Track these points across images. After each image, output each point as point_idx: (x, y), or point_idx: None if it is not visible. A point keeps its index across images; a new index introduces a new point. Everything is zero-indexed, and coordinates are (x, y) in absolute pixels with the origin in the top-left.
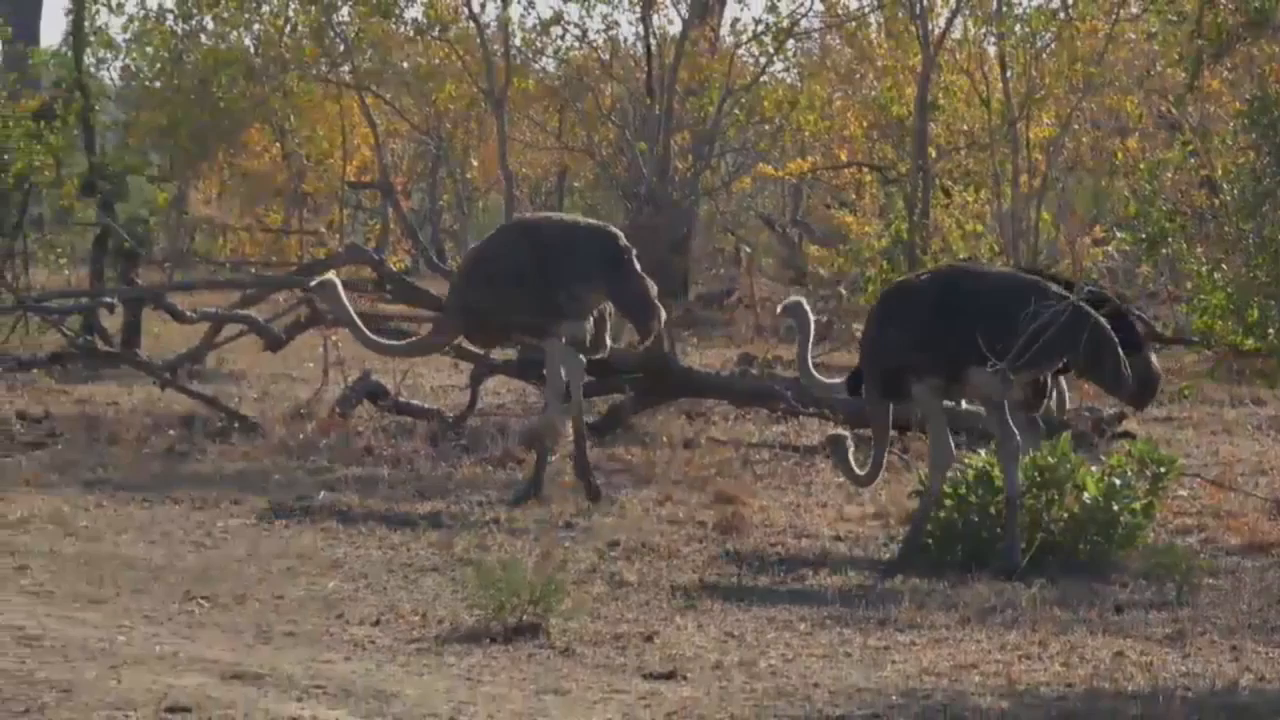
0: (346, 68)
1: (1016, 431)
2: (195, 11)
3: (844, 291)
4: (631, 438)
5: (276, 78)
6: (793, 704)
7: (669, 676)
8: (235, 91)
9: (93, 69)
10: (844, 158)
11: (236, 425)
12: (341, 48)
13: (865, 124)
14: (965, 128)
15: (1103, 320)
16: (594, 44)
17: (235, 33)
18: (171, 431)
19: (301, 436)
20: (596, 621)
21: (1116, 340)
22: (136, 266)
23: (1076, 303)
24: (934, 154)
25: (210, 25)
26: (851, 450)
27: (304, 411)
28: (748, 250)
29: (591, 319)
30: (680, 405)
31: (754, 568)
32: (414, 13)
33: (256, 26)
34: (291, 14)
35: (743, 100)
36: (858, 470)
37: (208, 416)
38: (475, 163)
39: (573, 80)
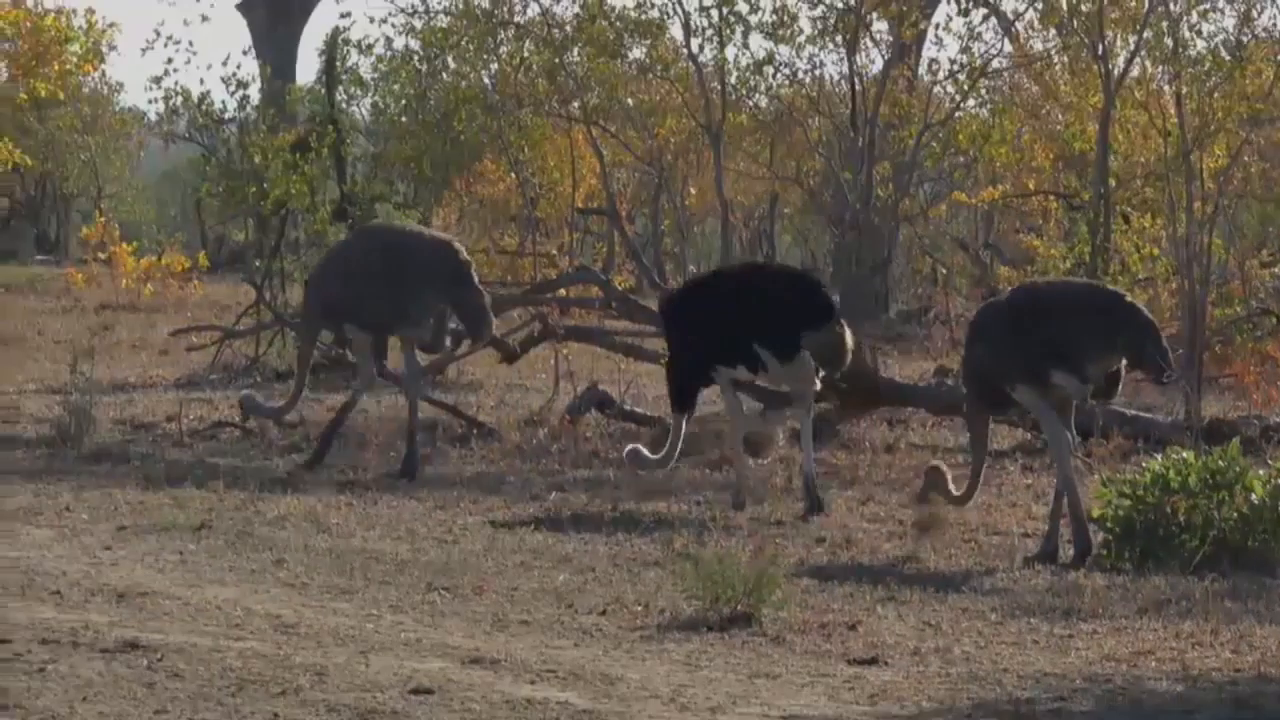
0: (576, 104)
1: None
2: (438, 52)
3: None
4: (837, 443)
5: (512, 113)
6: (984, 687)
7: (871, 662)
8: (474, 125)
9: (344, 105)
10: (1032, 186)
11: (475, 431)
12: (572, 85)
13: (1051, 156)
14: (1142, 159)
15: (1149, 316)
16: (802, 82)
17: (474, 72)
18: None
19: (534, 442)
20: (804, 611)
21: (1160, 333)
22: None
23: (1132, 303)
24: (1114, 183)
25: (451, 65)
26: (950, 477)
27: (536, 419)
28: (943, 271)
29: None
30: (881, 413)
31: (949, 562)
32: (638, 53)
33: (494, 66)
34: (526, 54)
35: (939, 134)
36: (955, 492)
37: (448, 423)
38: (693, 190)
39: (783, 115)
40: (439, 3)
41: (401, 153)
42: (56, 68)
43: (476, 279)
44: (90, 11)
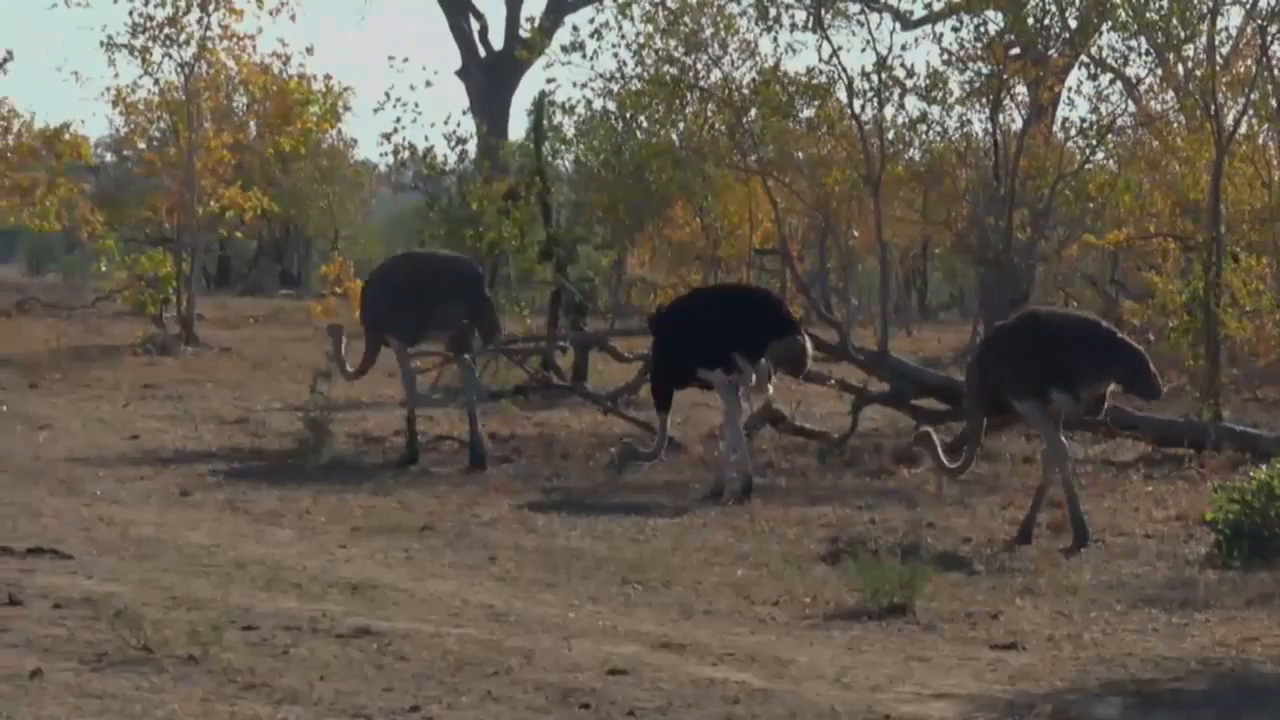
0: (753, 157)
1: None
2: (632, 113)
3: (1151, 338)
4: (981, 453)
5: (697, 166)
6: (1110, 670)
7: (1011, 647)
8: (664, 177)
9: (550, 159)
10: (1152, 229)
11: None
12: (749, 141)
13: (1169, 203)
14: (1249, 206)
15: (1135, 344)
16: (952, 138)
17: (664, 130)
18: (612, 449)
19: (715, 453)
20: (952, 603)
21: (1149, 361)
22: (584, 316)
23: (1124, 338)
24: (1224, 227)
25: (644, 124)
26: (939, 444)
27: (717, 433)
28: (1075, 304)
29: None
30: (1020, 428)
31: (1078, 559)
32: (808, 113)
33: (681, 125)
34: (709, 114)
35: (1071, 183)
36: (948, 462)
37: (641, 437)
38: (855, 233)
39: (934, 167)
40: (633, 69)
41: (600, 200)
42: (299, 126)
43: (488, 291)
44: (328, 77)
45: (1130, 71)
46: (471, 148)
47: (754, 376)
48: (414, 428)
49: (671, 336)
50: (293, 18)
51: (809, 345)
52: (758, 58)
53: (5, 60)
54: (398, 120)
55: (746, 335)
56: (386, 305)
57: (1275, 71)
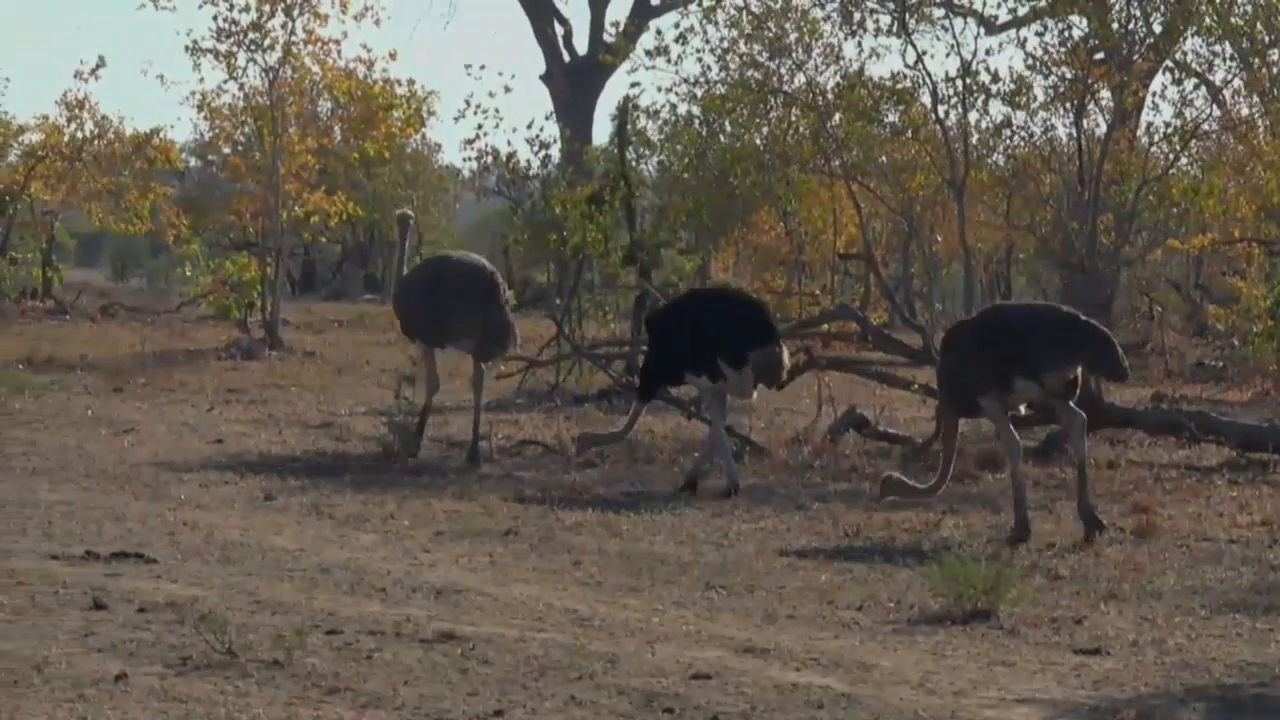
0: (837, 162)
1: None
2: (716, 117)
3: (1236, 342)
4: (1065, 460)
5: (781, 170)
6: (1195, 675)
7: (1095, 652)
8: (748, 181)
9: (634, 163)
10: (1237, 234)
11: (748, 448)
12: (833, 146)
13: (1254, 207)
14: None
15: (1103, 327)
16: (1036, 143)
17: (748, 134)
18: (695, 453)
19: (799, 458)
20: (1036, 608)
21: (1116, 342)
22: None
23: (1089, 320)
24: None
25: (728, 128)
26: (908, 481)
27: (801, 438)
28: (1159, 309)
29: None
30: (1104, 434)
31: (1163, 565)
32: (892, 118)
33: (765, 129)
34: (793, 119)
35: (1155, 188)
36: (920, 486)
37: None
38: (939, 238)
39: (1018, 172)
40: (717, 74)
41: (684, 205)
42: (383, 130)
43: (503, 298)
44: (412, 82)
45: (1215, 76)
46: (555, 152)
47: (738, 384)
48: (425, 422)
49: (663, 339)
50: (377, 22)
51: (785, 357)
52: (842, 62)
53: (97, 67)
54: (480, 126)
55: (731, 343)
56: (415, 310)
57: None
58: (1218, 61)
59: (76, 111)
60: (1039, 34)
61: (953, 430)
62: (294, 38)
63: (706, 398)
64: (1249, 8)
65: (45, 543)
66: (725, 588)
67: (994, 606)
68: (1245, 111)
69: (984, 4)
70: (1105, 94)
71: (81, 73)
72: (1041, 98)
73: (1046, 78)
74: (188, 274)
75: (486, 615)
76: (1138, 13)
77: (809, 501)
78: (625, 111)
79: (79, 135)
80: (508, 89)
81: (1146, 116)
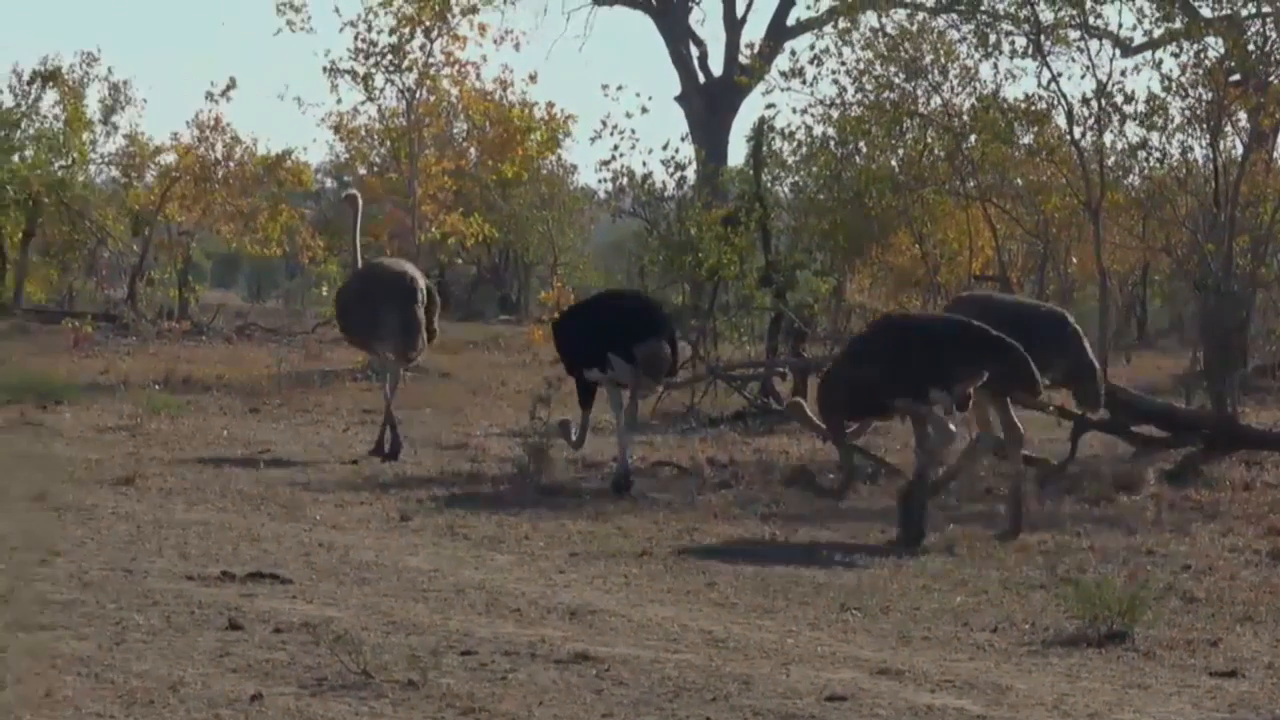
0: (973, 183)
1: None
2: (851, 139)
3: None
4: (1202, 482)
5: (916, 191)
6: None
7: (1230, 675)
8: (883, 203)
9: (769, 184)
10: None
11: (883, 470)
12: (969, 167)
13: None
14: None
15: (1015, 344)
16: (1172, 165)
17: (883, 155)
18: (831, 475)
19: (934, 480)
20: (1171, 630)
21: (1029, 358)
22: (803, 342)
23: (999, 336)
24: None
25: (863, 149)
26: (816, 479)
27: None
28: None
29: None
30: (1240, 455)
31: None
32: (1027, 139)
33: (901, 151)
34: (929, 140)
35: None
36: (825, 487)
37: (860, 463)
38: (1074, 260)
39: (1154, 193)
40: (852, 95)
41: (819, 226)
42: (520, 153)
43: (419, 300)
44: (550, 104)
45: None
46: (690, 174)
47: (629, 378)
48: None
49: (564, 340)
50: (516, 46)
51: (665, 351)
52: (977, 84)
53: (228, 88)
54: (615, 147)
55: (618, 338)
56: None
57: None
58: None
59: (208, 132)
60: (1174, 55)
61: (839, 431)
62: (432, 59)
63: (607, 393)
64: None
65: (181, 563)
66: (860, 609)
67: (1129, 628)
68: None
69: (1119, 26)
70: (1241, 116)
71: (213, 93)
72: (1177, 119)
73: (1182, 99)
74: (324, 294)
75: (621, 636)
76: (1274, 34)
77: (943, 523)
78: (760, 133)
79: (211, 156)
80: (644, 110)
81: None
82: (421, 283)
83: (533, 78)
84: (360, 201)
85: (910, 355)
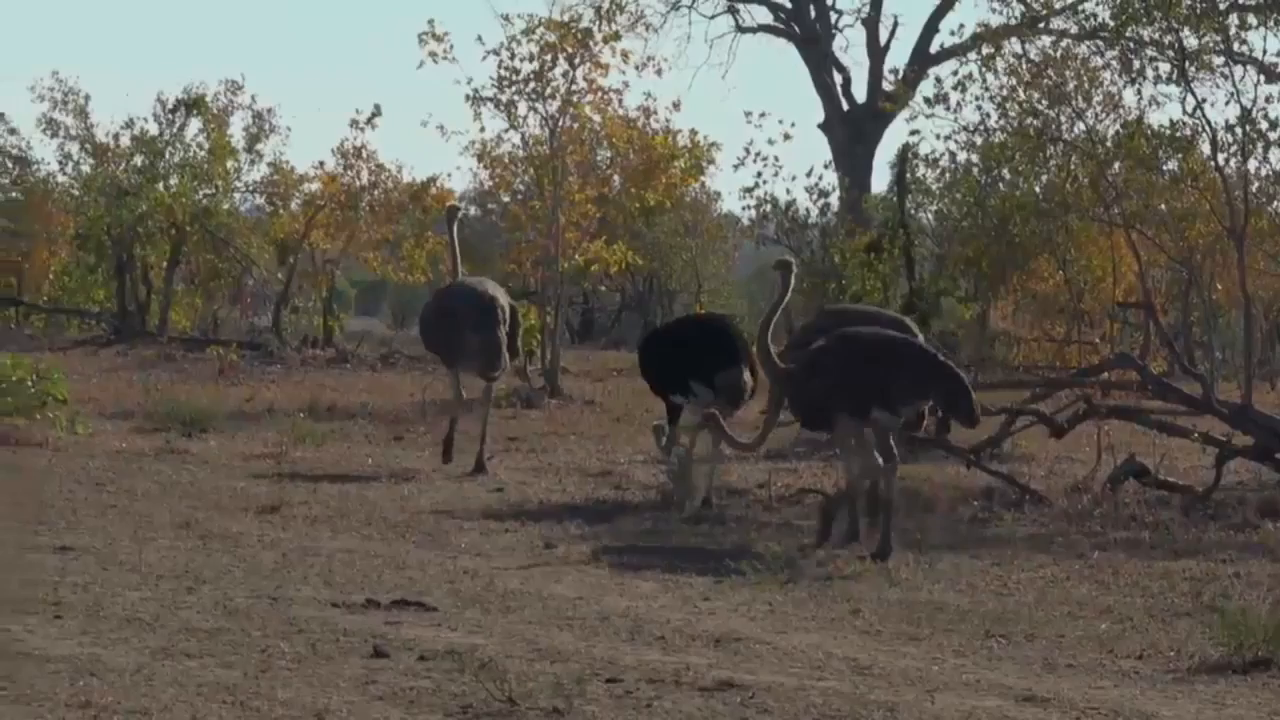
0: (1116, 210)
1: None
2: (995, 165)
3: None
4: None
5: (1060, 218)
6: None
7: None
8: (1027, 229)
9: (913, 212)
10: None
11: (1027, 497)
12: (1113, 194)
13: None
14: None
15: (958, 370)
16: None
17: (1027, 182)
18: (975, 502)
19: (1079, 507)
20: None
21: (969, 385)
22: None
23: (945, 360)
24: None
25: (1007, 176)
26: (727, 428)
27: (1081, 486)
28: None
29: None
30: None
31: None
32: (1171, 166)
33: (1044, 177)
34: (1072, 167)
35: None
36: (737, 439)
37: (1004, 490)
38: (1219, 286)
39: None
40: (996, 122)
41: (963, 254)
42: (664, 180)
43: (500, 320)
44: (693, 132)
45: None
46: (834, 200)
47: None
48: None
49: (649, 364)
50: (659, 73)
51: (745, 380)
52: (1121, 110)
53: (373, 115)
54: (759, 175)
55: (701, 366)
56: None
57: None
58: None
59: (353, 160)
60: None
61: (775, 409)
62: (575, 87)
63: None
64: None
65: (326, 590)
66: (1005, 636)
67: (1275, 655)
68: None
69: (1264, 51)
70: None
71: (358, 121)
72: None
73: None
74: None
75: (765, 663)
76: None
77: (1089, 550)
78: (904, 159)
79: (355, 184)
80: (787, 137)
81: None
82: (504, 303)
83: (676, 105)
84: (459, 213)
85: (859, 372)
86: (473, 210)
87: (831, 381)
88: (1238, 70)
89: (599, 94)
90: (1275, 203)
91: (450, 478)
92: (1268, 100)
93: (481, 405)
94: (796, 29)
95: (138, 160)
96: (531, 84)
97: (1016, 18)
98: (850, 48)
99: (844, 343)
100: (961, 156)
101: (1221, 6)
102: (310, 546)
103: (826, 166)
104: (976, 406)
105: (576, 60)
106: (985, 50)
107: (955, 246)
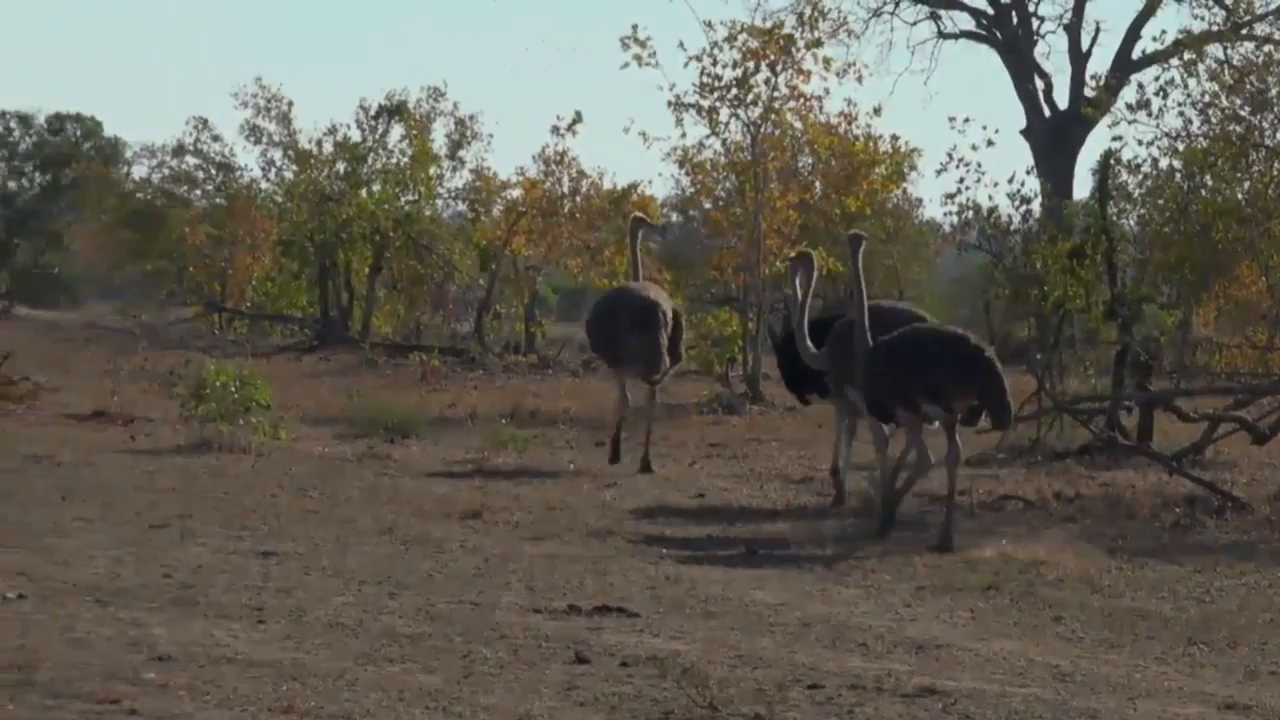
0: None
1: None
2: (1197, 171)
3: None
4: None
5: (1263, 224)
6: None
7: None
8: (1229, 235)
9: (1115, 218)
10: None
11: (1230, 505)
12: None
13: None
14: None
15: (1000, 371)
16: None
17: (1229, 188)
18: (1177, 509)
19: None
20: None
21: (1006, 387)
22: (1149, 376)
23: (990, 358)
24: None
25: (1209, 182)
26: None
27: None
28: None
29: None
30: None
31: None
32: None
33: (1247, 183)
34: (1275, 173)
35: None
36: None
37: (1206, 497)
38: None
39: None
40: (1198, 127)
41: (1165, 260)
42: (865, 186)
43: (663, 324)
44: (894, 138)
45: None
46: (1036, 207)
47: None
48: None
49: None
50: (859, 79)
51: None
52: None
53: (574, 122)
54: (961, 180)
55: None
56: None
57: None
58: None
59: (554, 167)
60: None
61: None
62: (776, 93)
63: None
64: None
65: (528, 596)
66: (1207, 644)
67: None
68: None
69: None
70: None
71: (559, 127)
72: None
73: None
74: None
75: (967, 670)
76: None
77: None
78: (1106, 165)
79: (557, 190)
80: (989, 143)
81: None
82: (666, 308)
83: (877, 111)
84: (644, 222)
85: (908, 367)
86: (674, 216)
87: (885, 373)
88: None
89: (800, 100)
90: None
91: (652, 483)
92: None
93: (646, 407)
94: (998, 35)
95: (340, 166)
96: (733, 90)
97: (1219, 24)
98: (1052, 54)
99: (901, 337)
100: (1164, 162)
101: None
102: (512, 552)
103: (1029, 172)
104: (1010, 407)
105: (778, 66)
106: (1187, 56)
107: (1157, 253)
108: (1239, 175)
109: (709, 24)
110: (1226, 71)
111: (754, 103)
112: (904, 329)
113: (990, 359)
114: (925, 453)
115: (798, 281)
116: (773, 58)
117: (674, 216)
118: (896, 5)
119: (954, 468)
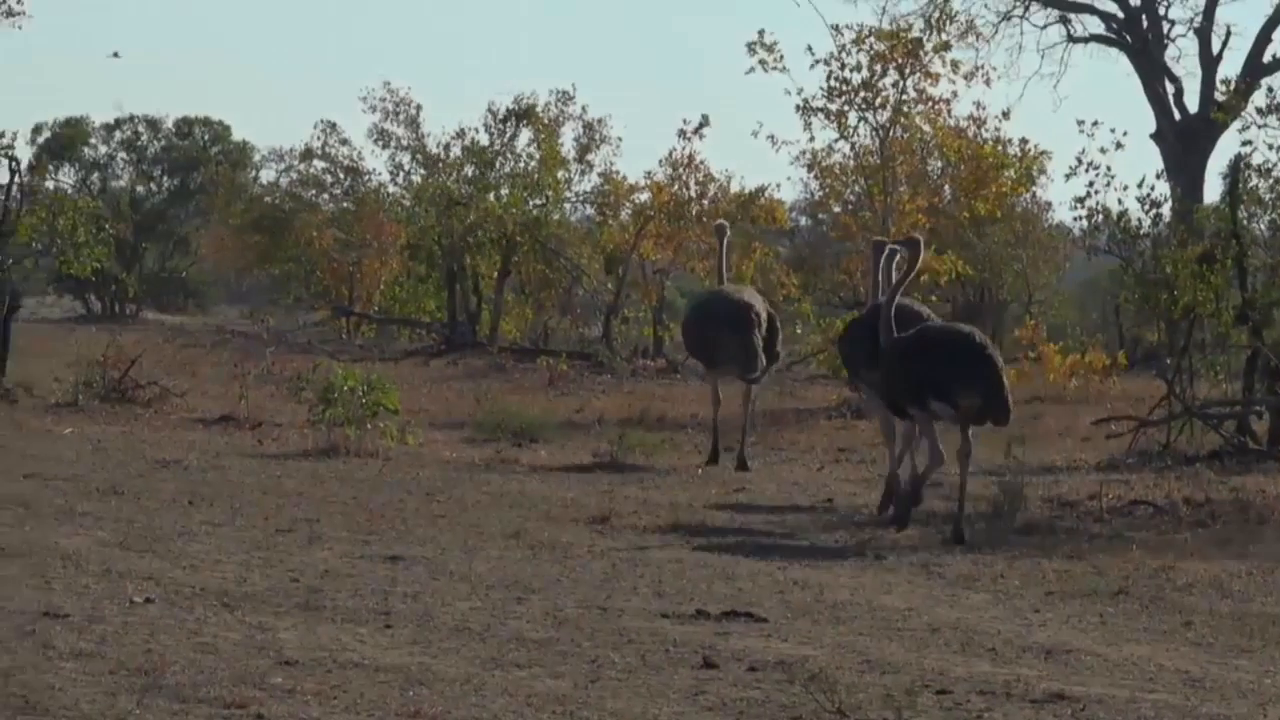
0: None
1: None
2: None
3: None
4: None
5: None
6: None
7: None
8: None
9: (1245, 222)
10: None
11: None
12: None
13: None
14: None
15: (1000, 367)
16: None
17: None
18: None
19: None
20: None
21: (1005, 381)
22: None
23: (990, 354)
24: None
25: None
26: None
27: None
28: None
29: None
30: None
31: None
32: None
33: None
34: None
35: None
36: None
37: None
38: None
39: None
40: None
41: None
42: (994, 190)
43: (757, 326)
44: (1024, 141)
45: None
46: (1166, 211)
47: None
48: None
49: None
50: (988, 82)
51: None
52: None
53: (701, 125)
54: (1090, 184)
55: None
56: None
57: None
58: None
59: (682, 170)
60: None
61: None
62: (905, 96)
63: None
64: None
65: (656, 601)
66: None
67: None
68: None
69: None
70: None
71: (686, 131)
72: None
73: None
74: (797, 332)
75: (1097, 676)
76: None
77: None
78: (1237, 170)
79: (684, 194)
80: (1119, 146)
81: None
82: (761, 310)
83: (1005, 114)
84: (728, 230)
85: (916, 364)
86: (803, 220)
87: (896, 371)
88: None
89: (929, 104)
90: None
91: (780, 488)
92: None
93: (743, 406)
94: (1128, 38)
95: (469, 170)
96: (862, 94)
97: None
98: (1183, 57)
99: (911, 336)
100: None
101: None
102: (639, 556)
103: (1159, 176)
104: (1009, 405)
105: (906, 70)
106: None
107: None
108: None
109: (837, 28)
110: None
111: (882, 106)
112: (916, 329)
113: (992, 356)
114: (938, 448)
115: (894, 265)
116: (900, 61)
117: (803, 220)
118: (1026, 9)
119: (965, 462)
